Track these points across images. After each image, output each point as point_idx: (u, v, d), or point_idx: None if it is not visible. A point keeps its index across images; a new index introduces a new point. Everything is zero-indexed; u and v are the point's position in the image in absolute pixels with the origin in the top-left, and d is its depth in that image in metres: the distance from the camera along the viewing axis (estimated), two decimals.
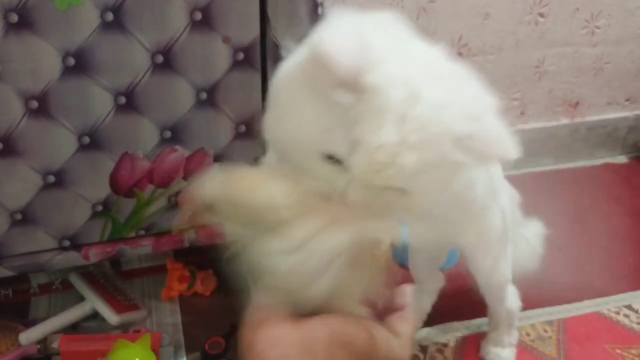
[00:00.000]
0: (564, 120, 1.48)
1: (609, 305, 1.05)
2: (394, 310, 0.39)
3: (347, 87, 0.32)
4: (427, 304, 0.89)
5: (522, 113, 1.42)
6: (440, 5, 1.18)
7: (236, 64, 0.60)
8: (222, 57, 0.59)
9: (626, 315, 1.03)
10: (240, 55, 0.60)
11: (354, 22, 0.35)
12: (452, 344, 0.92)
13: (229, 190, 0.34)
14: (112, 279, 0.80)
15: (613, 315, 1.03)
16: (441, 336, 0.92)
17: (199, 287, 0.80)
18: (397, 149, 0.33)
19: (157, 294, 0.81)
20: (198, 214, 0.38)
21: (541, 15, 1.28)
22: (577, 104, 1.47)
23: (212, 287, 0.81)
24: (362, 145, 0.33)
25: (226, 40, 0.58)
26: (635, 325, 1.00)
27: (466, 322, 0.94)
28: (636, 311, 1.04)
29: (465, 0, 1.20)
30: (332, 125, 0.34)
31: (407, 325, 0.38)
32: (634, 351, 0.95)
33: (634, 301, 1.06)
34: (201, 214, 0.37)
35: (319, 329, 0.35)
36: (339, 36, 0.33)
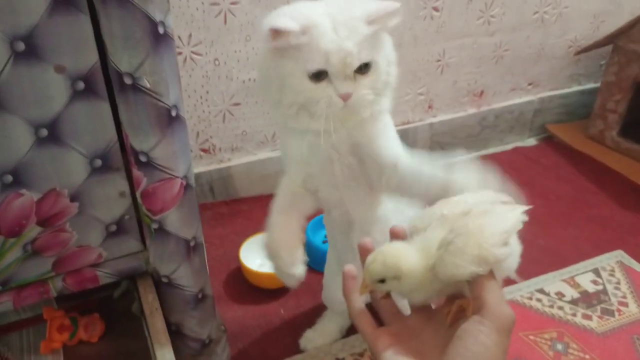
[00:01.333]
0: (471, 110, 1.50)
1: (521, 291, 1.06)
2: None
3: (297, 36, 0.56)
4: None
5: (430, 107, 1.42)
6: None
7: (77, 95, 0.54)
8: (58, 88, 0.53)
9: (538, 300, 1.04)
10: (80, 85, 0.54)
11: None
12: None
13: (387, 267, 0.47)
14: None
15: (526, 301, 1.04)
16: None
17: (82, 334, 0.73)
18: (343, 43, 0.57)
19: (38, 348, 0.73)
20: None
21: (435, 9, 1.28)
22: (482, 93, 1.49)
23: (99, 332, 0.74)
24: (329, 53, 0.57)
25: (60, 69, 0.52)
26: (547, 309, 1.02)
27: None
28: (548, 294, 1.06)
29: None
30: (305, 58, 0.58)
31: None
32: (546, 335, 0.97)
33: (545, 284, 1.08)
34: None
35: None
36: (277, 19, 0.57)
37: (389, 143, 0.68)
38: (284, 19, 0.56)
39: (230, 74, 1.14)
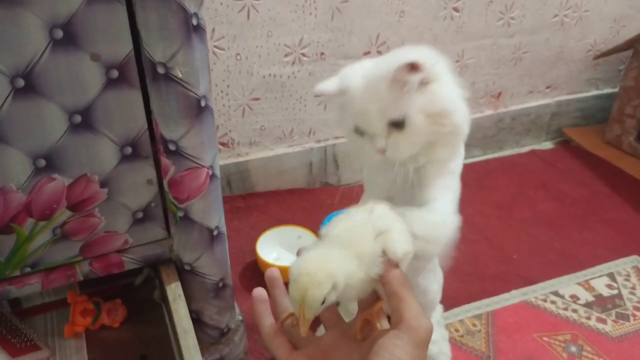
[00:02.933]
0: (488, 112, 1.50)
1: (536, 293, 1.06)
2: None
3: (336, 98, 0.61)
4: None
5: None
6: (354, 4, 1.17)
7: (111, 83, 0.56)
8: (93, 76, 0.54)
9: (553, 302, 1.04)
10: (115, 73, 0.55)
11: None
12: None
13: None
14: (8, 320, 0.74)
15: (540, 302, 1.04)
16: None
17: (105, 319, 0.75)
18: (365, 105, 0.59)
19: (62, 331, 0.75)
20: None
21: (455, 9, 1.29)
22: (499, 94, 1.49)
23: (120, 318, 0.76)
24: (356, 114, 0.60)
25: (95, 57, 0.54)
26: (561, 311, 1.02)
27: None
28: (562, 297, 1.06)
29: None
30: (346, 116, 0.62)
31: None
32: (560, 337, 0.97)
33: (560, 287, 1.08)
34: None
35: None
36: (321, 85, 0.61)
37: (432, 193, 0.65)
38: (329, 81, 0.61)
39: (251, 69, 1.15)
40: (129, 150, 0.60)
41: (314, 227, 1.14)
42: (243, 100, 1.19)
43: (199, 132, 0.58)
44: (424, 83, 0.57)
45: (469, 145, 1.49)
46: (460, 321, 0.99)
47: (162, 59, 0.53)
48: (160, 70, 0.54)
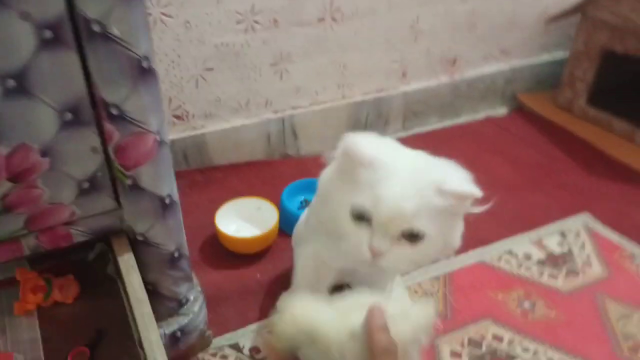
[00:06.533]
0: (444, 79, 1.51)
1: (491, 253, 1.09)
2: None
3: (363, 167, 0.55)
4: None
5: (404, 75, 1.43)
6: None
7: (44, 44, 0.52)
8: (24, 37, 0.51)
9: (507, 261, 1.08)
10: (48, 33, 0.52)
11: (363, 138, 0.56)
12: None
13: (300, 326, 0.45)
14: None
15: (495, 262, 1.07)
16: None
17: (57, 295, 0.72)
18: (401, 200, 0.53)
19: (12, 309, 0.72)
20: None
21: None
22: (455, 61, 1.50)
23: (73, 294, 0.73)
24: (382, 200, 0.53)
25: (24, 16, 0.50)
26: (515, 270, 1.06)
27: None
28: (516, 256, 1.09)
29: None
30: (358, 192, 0.55)
31: None
32: (514, 294, 1.00)
33: (514, 246, 1.11)
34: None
35: None
36: (357, 141, 0.55)
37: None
38: (366, 146, 0.54)
39: (203, 37, 1.12)
40: (69, 116, 0.57)
41: (274, 198, 1.13)
42: (196, 71, 1.16)
43: (142, 95, 0.56)
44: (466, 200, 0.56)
45: (426, 113, 1.51)
46: (419, 284, 1.01)
47: (96, 15, 0.50)
48: (96, 28, 0.51)
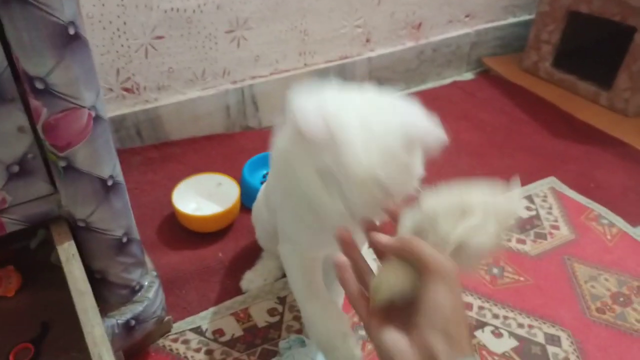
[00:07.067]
0: (410, 44, 1.46)
1: None
2: None
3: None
4: None
5: (368, 40, 1.37)
6: None
7: None
8: None
9: None
10: None
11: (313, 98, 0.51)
12: None
13: None
14: None
15: None
16: None
17: None
18: (373, 172, 0.49)
19: None
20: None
21: None
22: (419, 25, 1.45)
23: (15, 286, 0.68)
24: (354, 176, 0.49)
25: None
26: None
27: None
28: None
29: None
30: (320, 156, 0.50)
31: None
32: (482, 260, 0.99)
33: None
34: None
35: None
36: (307, 113, 0.49)
37: None
38: (313, 117, 0.48)
39: (150, 2, 1.04)
40: None
41: (236, 173, 1.08)
42: (144, 39, 1.08)
43: (70, 65, 0.50)
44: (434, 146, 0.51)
45: (392, 80, 1.46)
46: None
47: None
48: None
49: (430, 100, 1.53)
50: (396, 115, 0.51)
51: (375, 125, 0.49)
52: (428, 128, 0.51)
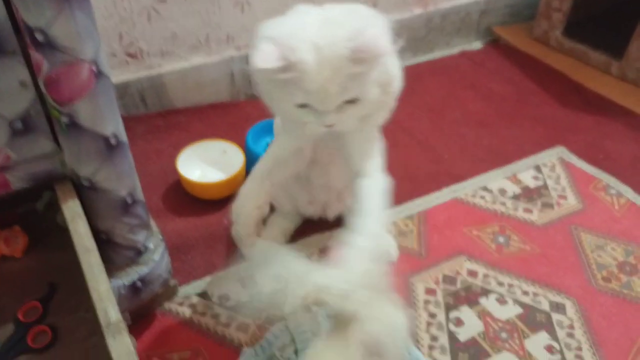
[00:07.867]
0: (418, 11, 1.43)
1: (466, 189, 1.07)
2: None
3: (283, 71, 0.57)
4: None
5: (374, 6, 1.35)
6: None
7: None
8: None
9: (482, 197, 1.05)
10: None
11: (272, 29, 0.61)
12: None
13: None
14: None
15: (470, 198, 1.05)
16: None
17: (3, 248, 0.67)
18: (324, 84, 0.58)
19: None
20: None
21: None
22: None
23: (21, 246, 0.68)
24: (310, 93, 0.59)
25: None
26: (490, 205, 1.03)
27: None
28: (491, 191, 1.07)
29: None
30: (290, 92, 0.60)
31: None
32: (488, 230, 0.98)
33: (488, 182, 1.09)
34: None
35: None
36: (263, 52, 0.56)
37: (362, 154, 0.72)
38: (269, 53, 0.56)
39: None
40: None
41: (241, 141, 1.07)
42: (147, 2, 1.06)
43: (70, 16, 0.49)
44: (380, 56, 0.58)
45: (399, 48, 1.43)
46: (394, 222, 0.98)
47: None
48: None
49: (439, 70, 1.52)
50: (344, 29, 0.57)
51: (322, 42, 0.56)
52: (373, 37, 0.56)
